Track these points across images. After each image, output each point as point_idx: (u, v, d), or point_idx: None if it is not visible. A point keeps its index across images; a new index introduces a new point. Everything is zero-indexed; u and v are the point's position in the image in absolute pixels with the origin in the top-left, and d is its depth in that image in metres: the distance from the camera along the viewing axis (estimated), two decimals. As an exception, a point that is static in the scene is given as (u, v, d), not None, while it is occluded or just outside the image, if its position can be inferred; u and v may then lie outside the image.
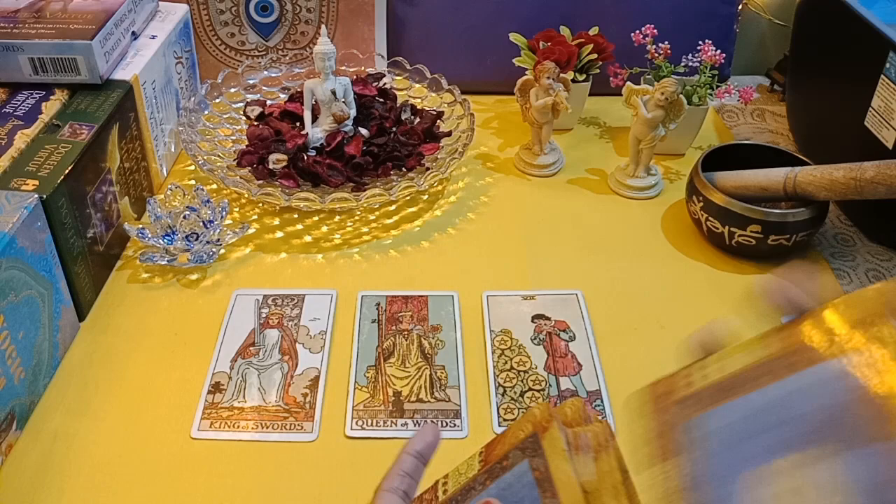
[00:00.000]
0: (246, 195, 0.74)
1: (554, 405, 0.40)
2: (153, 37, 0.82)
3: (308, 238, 0.76)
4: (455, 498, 0.38)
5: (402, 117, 0.86)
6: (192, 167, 0.86)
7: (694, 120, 0.87)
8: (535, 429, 0.39)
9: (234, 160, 0.80)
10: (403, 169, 0.80)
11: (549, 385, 0.61)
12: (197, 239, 0.70)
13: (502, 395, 0.60)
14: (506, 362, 0.63)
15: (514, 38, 0.91)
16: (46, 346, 0.60)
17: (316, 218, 0.79)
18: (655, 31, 0.86)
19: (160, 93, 0.81)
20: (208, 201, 0.72)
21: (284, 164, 0.77)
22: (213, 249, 0.71)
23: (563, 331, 0.66)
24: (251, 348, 0.64)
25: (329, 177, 0.76)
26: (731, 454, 0.32)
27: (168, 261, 0.70)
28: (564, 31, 0.91)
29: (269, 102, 0.89)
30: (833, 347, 0.32)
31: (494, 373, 0.62)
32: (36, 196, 0.58)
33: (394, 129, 0.83)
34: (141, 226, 0.71)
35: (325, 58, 0.78)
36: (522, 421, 0.39)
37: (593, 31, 0.91)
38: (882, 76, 0.72)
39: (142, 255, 0.70)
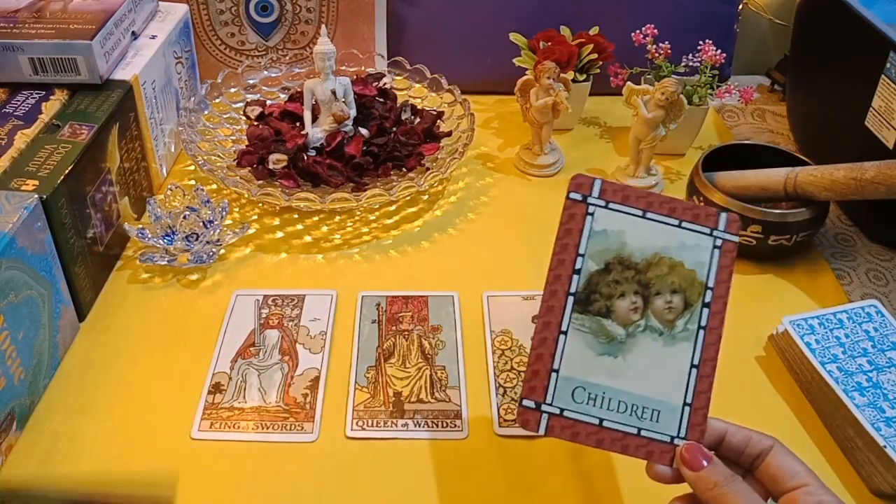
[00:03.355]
0: (246, 195, 0.74)
1: None
2: (153, 37, 0.82)
3: (308, 238, 0.76)
4: None
5: (402, 117, 0.86)
6: (192, 167, 0.86)
7: (694, 120, 0.87)
8: None
9: (234, 160, 0.80)
10: (403, 169, 0.80)
11: (550, 385, 0.61)
12: (197, 239, 0.70)
13: (503, 396, 0.60)
14: (506, 363, 0.63)
15: (514, 38, 0.90)
16: (46, 347, 0.59)
17: (316, 218, 0.78)
18: (655, 31, 0.86)
19: (160, 93, 0.81)
20: (208, 201, 0.72)
21: (284, 164, 0.77)
22: (213, 249, 0.71)
23: (564, 331, 0.66)
24: (251, 349, 0.64)
25: (329, 177, 0.76)
26: None
27: (168, 261, 0.70)
28: (564, 31, 0.91)
29: (269, 102, 0.89)
30: None
31: (495, 373, 0.62)
32: (36, 196, 0.58)
33: (394, 129, 0.83)
34: (141, 226, 0.71)
35: (325, 58, 0.78)
36: None
37: (593, 31, 0.91)
38: (882, 76, 0.72)
39: (142, 256, 0.70)
